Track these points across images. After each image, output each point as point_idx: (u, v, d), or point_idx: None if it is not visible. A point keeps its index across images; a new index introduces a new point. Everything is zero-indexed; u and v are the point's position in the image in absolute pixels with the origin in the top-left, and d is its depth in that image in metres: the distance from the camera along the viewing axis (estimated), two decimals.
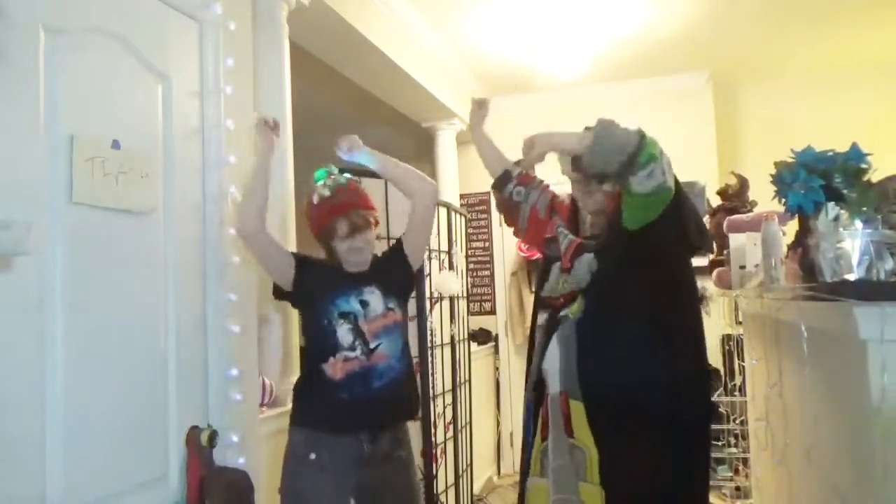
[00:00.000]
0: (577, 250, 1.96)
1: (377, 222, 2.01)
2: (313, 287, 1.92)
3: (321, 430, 1.86)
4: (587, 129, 1.77)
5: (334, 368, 1.84)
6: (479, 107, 2.33)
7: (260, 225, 1.88)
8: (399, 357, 1.92)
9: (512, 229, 2.25)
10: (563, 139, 1.85)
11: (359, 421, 1.86)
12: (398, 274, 2.02)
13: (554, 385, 1.88)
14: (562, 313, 1.92)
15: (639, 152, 1.66)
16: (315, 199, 1.94)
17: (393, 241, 2.12)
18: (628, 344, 1.79)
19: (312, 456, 1.83)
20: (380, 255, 2.05)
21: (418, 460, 2.83)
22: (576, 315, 1.86)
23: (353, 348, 1.85)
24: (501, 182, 2.21)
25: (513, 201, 2.18)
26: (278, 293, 1.98)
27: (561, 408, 1.84)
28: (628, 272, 1.80)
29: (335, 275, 1.94)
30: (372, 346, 1.87)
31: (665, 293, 1.82)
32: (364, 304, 1.89)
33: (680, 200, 1.79)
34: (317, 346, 1.89)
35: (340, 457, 1.84)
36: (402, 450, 1.96)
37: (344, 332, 1.86)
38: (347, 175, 2.00)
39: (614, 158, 1.68)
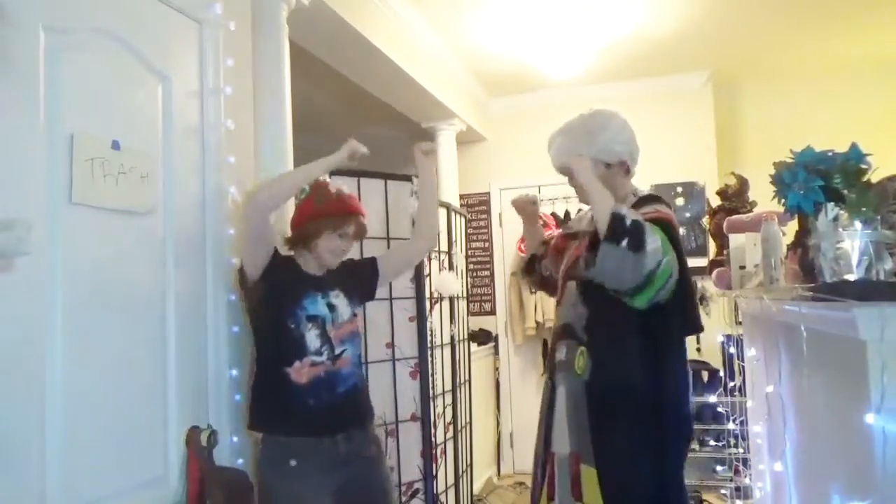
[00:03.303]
0: (566, 276, 1.95)
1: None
2: (280, 283, 1.87)
3: (297, 435, 1.83)
4: (616, 217, 1.70)
5: (299, 373, 1.82)
6: (532, 203, 2.24)
7: (269, 210, 1.84)
8: (358, 364, 1.95)
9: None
10: (598, 200, 1.76)
11: (331, 425, 1.85)
12: (363, 286, 2.06)
13: (562, 445, 1.81)
14: (558, 357, 1.86)
15: (632, 291, 1.68)
16: (332, 190, 1.93)
17: (391, 242, 2.14)
18: (638, 405, 1.77)
19: (293, 462, 1.80)
20: (349, 261, 2.04)
21: (418, 460, 2.83)
22: (583, 373, 1.80)
23: (319, 353, 1.84)
24: (531, 266, 2.26)
25: (545, 276, 2.21)
26: (244, 282, 1.89)
27: (569, 470, 1.78)
28: (629, 329, 1.78)
29: (299, 274, 1.92)
30: (338, 351, 1.87)
31: (665, 344, 1.82)
32: (332, 307, 1.89)
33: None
34: (280, 348, 1.84)
35: (320, 460, 1.83)
36: (372, 448, 1.97)
37: (312, 337, 1.84)
38: None
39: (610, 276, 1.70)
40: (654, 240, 1.66)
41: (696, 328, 1.92)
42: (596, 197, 1.74)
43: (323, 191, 1.94)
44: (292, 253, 1.97)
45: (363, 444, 1.93)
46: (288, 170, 2.00)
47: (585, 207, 2.09)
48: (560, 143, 1.91)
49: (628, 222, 1.67)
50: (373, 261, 2.10)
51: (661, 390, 1.80)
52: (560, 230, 2.21)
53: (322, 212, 1.91)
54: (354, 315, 1.95)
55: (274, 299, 1.86)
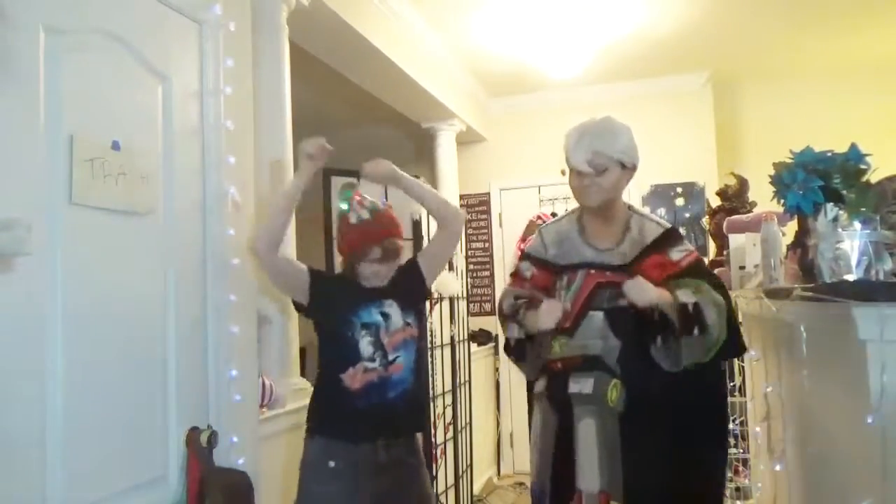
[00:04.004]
0: (584, 305, 1.86)
1: (402, 247, 2.02)
2: (333, 298, 1.93)
3: (339, 438, 1.87)
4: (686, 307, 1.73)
5: (353, 379, 1.86)
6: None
7: (272, 250, 1.87)
8: (413, 369, 1.95)
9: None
10: (662, 301, 1.75)
11: (375, 429, 1.88)
12: (415, 290, 2.04)
13: (590, 482, 1.74)
14: (576, 390, 1.77)
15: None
16: (353, 220, 1.93)
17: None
18: (673, 440, 1.75)
19: (331, 464, 1.84)
20: (396, 271, 2.03)
21: None
22: (616, 406, 1.76)
23: (372, 359, 1.88)
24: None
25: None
26: (298, 307, 2.00)
27: None
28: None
29: (354, 288, 1.95)
30: (391, 358, 1.89)
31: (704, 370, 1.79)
32: (385, 316, 1.92)
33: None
34: (337, 356, 1.90)
35: (358, 464, 1.85)
36: (413, 457, 1.97)
37: (365, 344, 1.88)
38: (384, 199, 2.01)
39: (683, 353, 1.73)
40: (710, 313, 1.73)
41: (738, 351, 1.91)
42: (664, 300, 1.75)
43: (345, 225, 1.96)
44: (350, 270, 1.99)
45: (405, 453, 1.94)
46: (274, 198, 1.95)
47: (573, 205, 2.05)
48: (578, 138, 1.86)
49: (690, 309, 1.72)
50: (414, 264, 2.05)
51: (702, 421, 1.81)
52: (526, 260, 2.05)
53: (344, 247, 1.97)
54: (408, 324, 1.95)
55: (330, 313, 1.93)
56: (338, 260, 2.06)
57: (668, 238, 1.88)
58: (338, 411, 1.89)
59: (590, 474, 1.74)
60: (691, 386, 1.78)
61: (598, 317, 1.83)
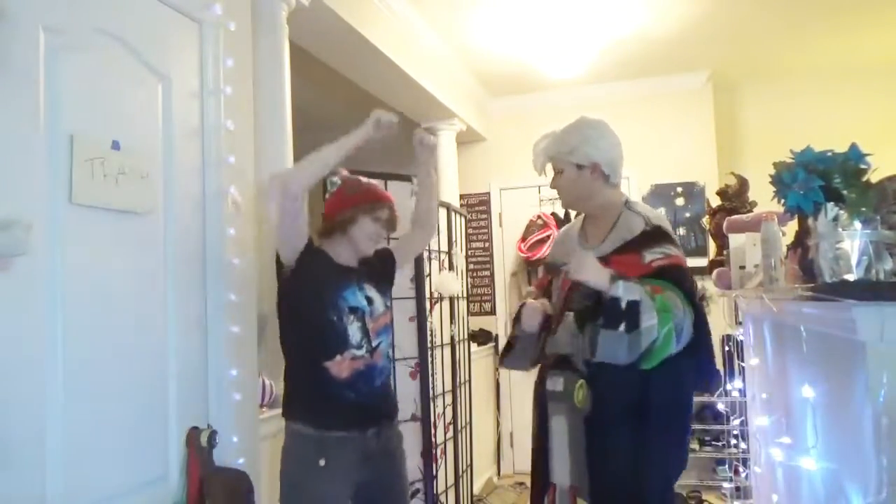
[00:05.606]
0: (563, 306, 1.91)
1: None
2: (317, 274, 1.85)
3: (331, 429, 1.81)
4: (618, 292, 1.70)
5: (340, 367, 1.81)
6: None
7: (303, 192, 1.80)
8: (389, 356, 1.98)
9: None
10: (599, 287, 1.74)
11: (367, 418, 1.87)
12: (388, 278, 2.06)
13: (561, 477, 1.79)
14: (550, 387, 1.83)
15: (633, 364, 1.69)
16: (349, 184, 1.95)
17: (391, 241, 2.14)
18: (636, 444, 1.75)
19: (322, 462, 1.77)
20: (371, 255, 2.04)
21: (418, 460, 2.83)
22: (583, 406, 1.77)
23: (360, 346, 1.84)
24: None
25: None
26: (280, 271, 1.88)
27: (570, 502, 1.77)
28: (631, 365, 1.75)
29: (334, 265, 1.90)
30: (374, 344, 1.87)
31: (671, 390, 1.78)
32: (369, 300, 1.90)
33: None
34: (323, 342, 1.82)
35: (349, 456, 1.82)
36: (401, 443, 2.00)
37: (354, 330, 1.83)
38: None
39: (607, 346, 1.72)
40: (650, 317, 1.67)
41: (707, 383, 1.92)
42: (599, 285, 1.73)
43: (354, 181, 1.98)
44: (322, 246, 1.93)
45: (391, 438, 1.95)
46: (323, 149, 1.85)
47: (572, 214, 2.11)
48: (536, 146, 1.98)
49: (623, 305, 1.67)
50: (390, 252, 2.09)
51: (664, 425, 1.79)
52: (540, 260, 2.22)
53: (356, 198, 1.92)
54: (387, 307, 1.96)
55: (314, 290, 1.84)
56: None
57: (648, 238, 1.84)
58: (328, 402, 1.82)
59: (561, 469, 1.79)
60: (654, 388, 1.75)
61: (569, 317, 1.87)
